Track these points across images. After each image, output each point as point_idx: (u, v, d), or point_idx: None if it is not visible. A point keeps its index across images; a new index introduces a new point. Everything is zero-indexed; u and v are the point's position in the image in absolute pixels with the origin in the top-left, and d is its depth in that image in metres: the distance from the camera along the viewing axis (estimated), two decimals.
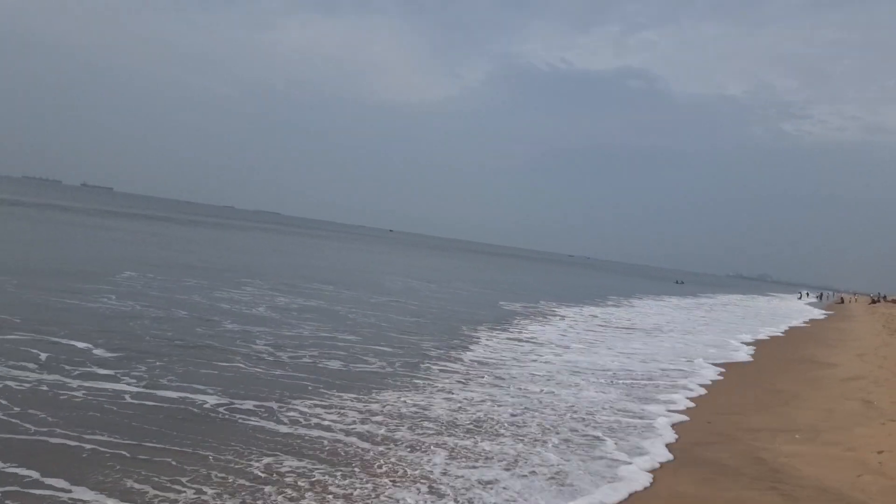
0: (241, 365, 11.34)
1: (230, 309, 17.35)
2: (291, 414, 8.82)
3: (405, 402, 10.10)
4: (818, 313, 55.80)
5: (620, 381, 13.60)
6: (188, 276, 23.64)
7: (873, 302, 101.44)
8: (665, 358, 17.78)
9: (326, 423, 8.61)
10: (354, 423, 8.73)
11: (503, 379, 12.68)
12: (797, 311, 57.59)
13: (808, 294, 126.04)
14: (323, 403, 9.51)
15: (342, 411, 9.22)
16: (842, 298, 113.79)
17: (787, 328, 34.54)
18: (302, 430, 8.18)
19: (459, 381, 12.06)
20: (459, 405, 10.25)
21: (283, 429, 8.16)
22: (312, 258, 49.36)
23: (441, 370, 12.94)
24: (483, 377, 12.66)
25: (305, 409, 9.09)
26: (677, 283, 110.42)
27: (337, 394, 10.14)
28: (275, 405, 9.13)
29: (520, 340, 18.41)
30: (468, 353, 15.30)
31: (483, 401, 10.70)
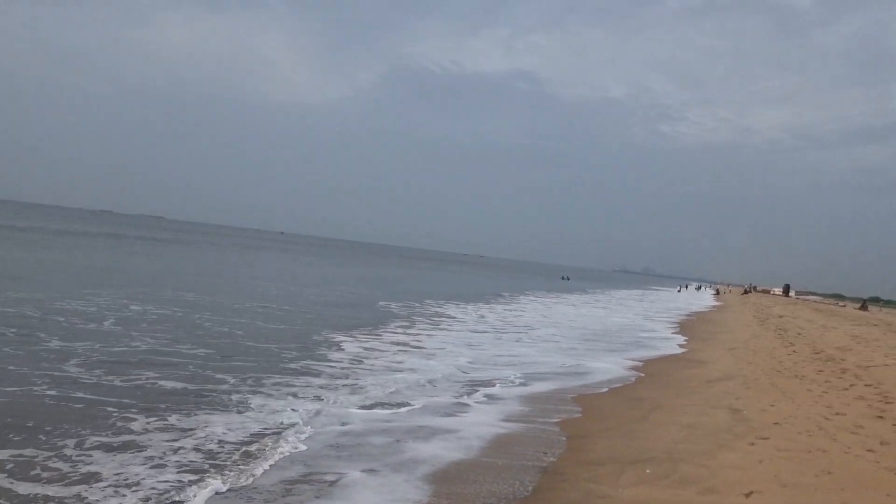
0: (34, 387, 9.54)
1: (62, 322, 15.19)
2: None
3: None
4: (700, 305, 58.35)
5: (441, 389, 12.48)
6: (31, 286, 20.95)
7: (745, 293, 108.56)
8: (531, 358, 17.22)
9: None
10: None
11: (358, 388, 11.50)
12: (681, 302, 59.91)
13: (686, 286, 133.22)
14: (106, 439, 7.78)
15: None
16: (717, 290, 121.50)
17: (672, 320, 35.43)
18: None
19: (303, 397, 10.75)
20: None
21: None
22: (188, 264, 46.34)
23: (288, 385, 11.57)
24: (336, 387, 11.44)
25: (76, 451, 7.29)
26: (563, 278, 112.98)
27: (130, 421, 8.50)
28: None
29: (388, 344, 17.31)
30: (325, 363, 13.97)
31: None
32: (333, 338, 17.29)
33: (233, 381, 11.24)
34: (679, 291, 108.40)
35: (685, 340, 24.90)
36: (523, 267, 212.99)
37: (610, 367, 16.66)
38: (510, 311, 33.53)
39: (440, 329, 22.01)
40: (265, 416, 9.24)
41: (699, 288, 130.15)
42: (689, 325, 33.50)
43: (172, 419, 8.68)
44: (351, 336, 17.97)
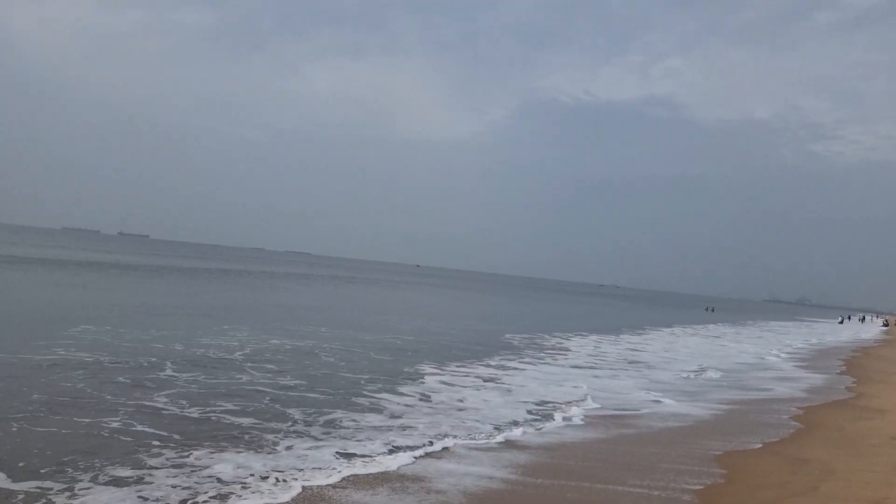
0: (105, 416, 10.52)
1: (196, 353, 16.67)
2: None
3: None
4: (868, 339, 52.53)
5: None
6: (194, 322, 23.11)
7: None
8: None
9: None
10: None
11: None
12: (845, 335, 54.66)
13: (849, 317, 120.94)
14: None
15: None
16: (886, 321, 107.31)
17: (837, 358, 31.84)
18: None
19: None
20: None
21: None
22: (331, 299, 48.84)
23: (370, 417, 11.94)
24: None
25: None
26: (708, 310, 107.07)
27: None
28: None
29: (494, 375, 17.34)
30: (396, 397, 14.24)
31: None
32: (423, 370, 17.51)
33: (297, 416, 11.44)
34: (841, 323, 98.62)
35: (853, 382, 21.44)
36: (665, 298, 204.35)
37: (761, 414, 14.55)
38: (636, 343, 32.35)
39: (543, 363, 21.51)
40: (274, 460, 8.93)
41: (863, 319, 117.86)
42: (857, 363, 29.08)
43: (193, 456, 8.72)
44: (441, 369, 18.03)
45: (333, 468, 8.64)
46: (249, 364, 15.96)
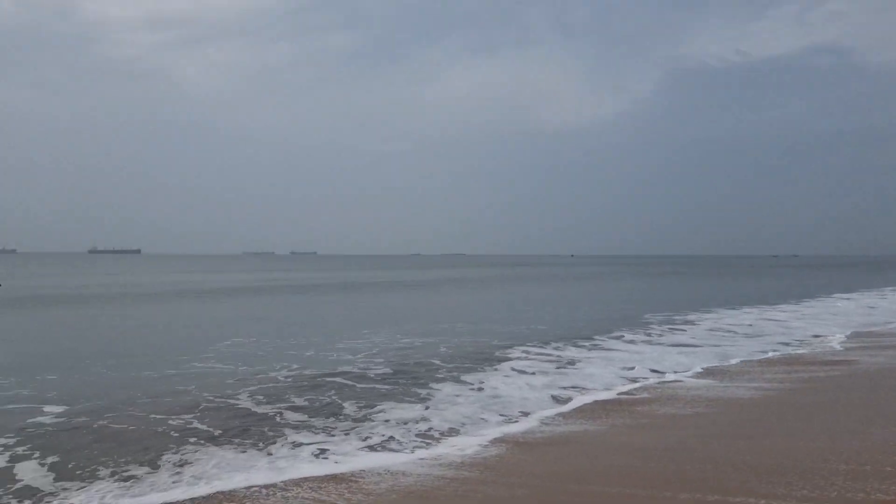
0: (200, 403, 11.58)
1: (324, 357, 17.90)
2: None
3: None
4: None
5: None
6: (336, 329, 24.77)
7: None
8: None
9: None
10: None
11: None
12: None
13: None
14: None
15: None
16: None
17: None
18: None
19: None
20: None
21: None
22: (483, 297, 49.77)
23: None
24: None
25: None
26: None
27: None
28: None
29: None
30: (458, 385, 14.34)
31: None
32: (509, 354, 17.75)
33: (348, 409, 11.81)
34: None
35: None
36: (853, 262, 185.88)
37: None
38: (786, 315, 30.04)
39: (644, 343, 20.58)
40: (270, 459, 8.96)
41: None
42: None
43: (229, 447, 9.34)
44: (525, 352, 18.14)
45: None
46: (361, 357, 16.97)
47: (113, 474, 8.23)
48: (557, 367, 15.87)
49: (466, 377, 14.62)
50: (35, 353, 18.53)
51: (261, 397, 12.51)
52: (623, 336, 21.80)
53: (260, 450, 9.26)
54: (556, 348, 18.95)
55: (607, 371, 15.31)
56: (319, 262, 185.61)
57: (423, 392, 13.13)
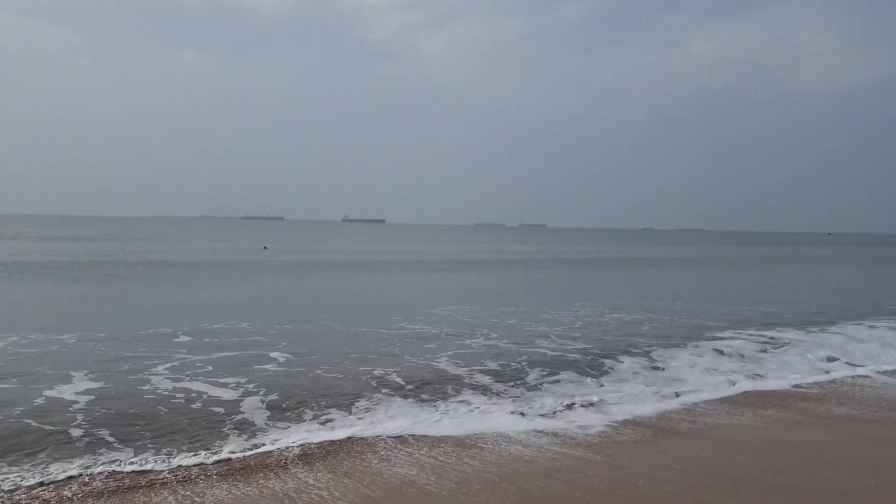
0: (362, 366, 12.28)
1: (523, 326, 18.37)
2: None
3: None
4: None
5: None
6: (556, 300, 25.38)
7: None
8: None
9: None
10: None
11: None
12: None
13: None
14: None
15: None
16: None
17: None
18: None
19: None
20: None
21: None
22: (709, 276, 47.23)
23: None
24: None
25: None
26: None
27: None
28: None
29: None
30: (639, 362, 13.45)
31: None
32: (717, 335, 16.90)
33: (526, 377, 12.22)
34: None
35: None
36: None
37: None
38: None
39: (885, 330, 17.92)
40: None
41: None
42: None
43: (411, 399, 10.42)
44: (735, 334, 16.96)
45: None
46: (546, 329, 17.08)
47: (315, 416, 9.44)
48: (760, 351, 14.89)
49: (658, 354, 14.26)
50: (278, 309, 21.33)
51: (455, 361, 13.32)
52: (863, 323, 19.46)
53: (432, 405, 10.12)
54: (778, 331, 17.62)
55: (805, 360, 14.13)
56: (547, 235, 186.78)
57: (608, 365, 13.08)
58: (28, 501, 6.32)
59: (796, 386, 11.87)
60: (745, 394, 11.22)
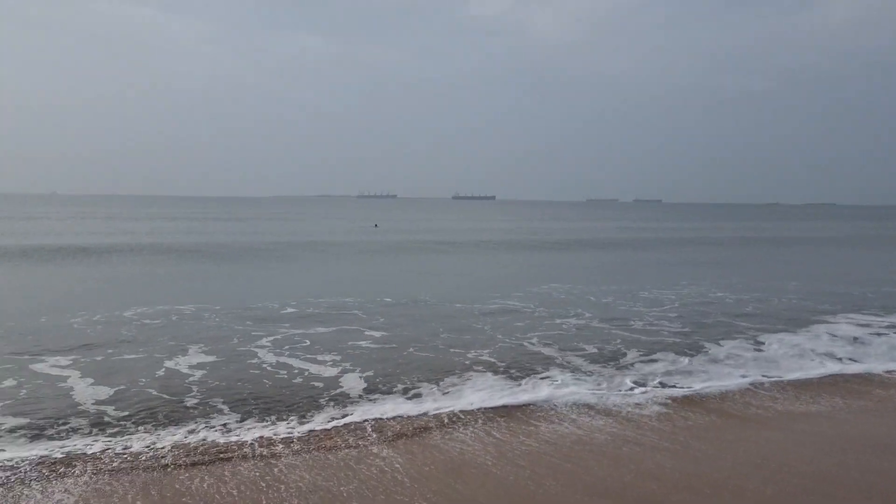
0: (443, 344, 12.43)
1: (618, 304, 18.17)
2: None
3: None
4: None
5: None
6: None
7: None
8: None
9: None
10: None
11: None
12: None
13: None
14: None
15: None
16: None
17: None
18: None
19: None
20: None
21: None
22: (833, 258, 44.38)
23: None
24: None
25: None
26: None
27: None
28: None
29: None
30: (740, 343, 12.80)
31: None
32: (830, 319, 16.15)
33: (617, 356, 12.08)
34: None
35: None
36: None
37: None
38: None
39: None
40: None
41: None
42: None
43: (492, 376, 10.58)
44: (850, 319, 15.92)
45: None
46: (651, 311, 16.77)
47: (405, 391, 9.93)
48: (871, 333, 14.16)
49: (763, 337, 13.79)
50: (377, 288, 22.14)
51: (544, 339, 13.46)
52: None
53: (516, 382, 10.35)
54: None
55: None
56: (664, 211, 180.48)
57: (707, 347, 12.82)
58: (170, 460, 7.17)
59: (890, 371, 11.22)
60: (834, 377, 10.75)
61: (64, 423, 8.29)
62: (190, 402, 9.29)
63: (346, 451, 7.47)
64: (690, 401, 9.53)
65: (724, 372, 11.07)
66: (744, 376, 10.81)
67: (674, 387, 10.19)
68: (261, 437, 7.92)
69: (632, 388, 10.05)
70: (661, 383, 10.38)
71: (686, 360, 11.91)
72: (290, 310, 16.38)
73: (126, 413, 8.75)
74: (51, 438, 7.79)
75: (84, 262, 28.46)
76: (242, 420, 8.58)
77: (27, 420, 8.37)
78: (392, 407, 9.14)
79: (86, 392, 9.59)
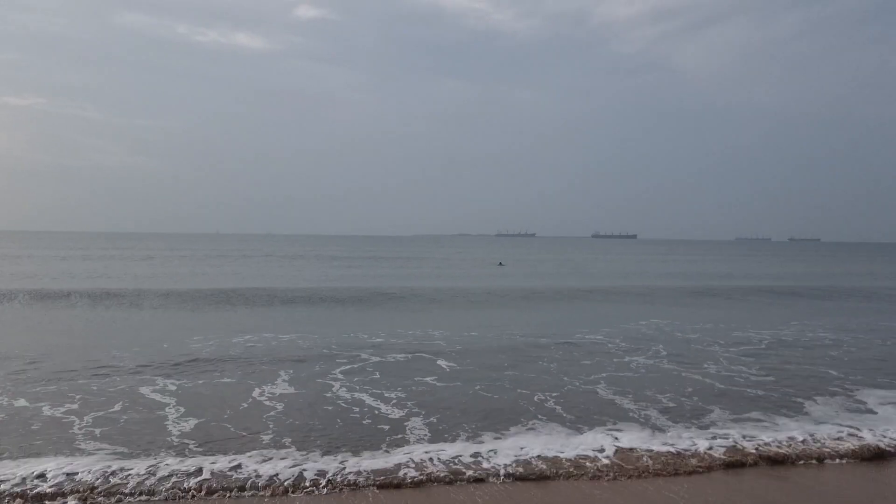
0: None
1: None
2: None
3: None
4: None
5: None
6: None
7: None
8: None
9: None
10: None
11: None
12: None
13: None
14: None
15: None
16: None
17: None
18: None
19: None
20: None
21: None
22: None
23: None
24: None
25: None
26: None
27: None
28: None
29: None
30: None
31: None
32: None
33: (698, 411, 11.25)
34: None
35: None
36: None
37: None
38: None
39: None
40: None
41: None
42: None
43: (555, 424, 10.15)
44: None
45: None
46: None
47: (468, 438, 10.18)
48: None
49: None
50: (469, 326, 22.55)
51: (614, 386, 13.33)
52: None
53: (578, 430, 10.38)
54: None
55: None
56: (818, 250, 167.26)
57: (804, 405, 12.17)
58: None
59: None
60: None
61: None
62: (266, 437, 10.25)
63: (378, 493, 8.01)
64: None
65: (828, 433, 10.47)
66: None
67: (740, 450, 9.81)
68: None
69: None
70: (734, 444, 10.03)
71: (796, 419, 11.36)
72: (369, 349, 17.32)
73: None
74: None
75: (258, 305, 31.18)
76: (308, 453, 9.37)
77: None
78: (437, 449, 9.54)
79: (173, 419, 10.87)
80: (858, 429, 10.55)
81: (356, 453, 9.30)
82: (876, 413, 11.66)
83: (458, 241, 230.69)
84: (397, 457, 9.12)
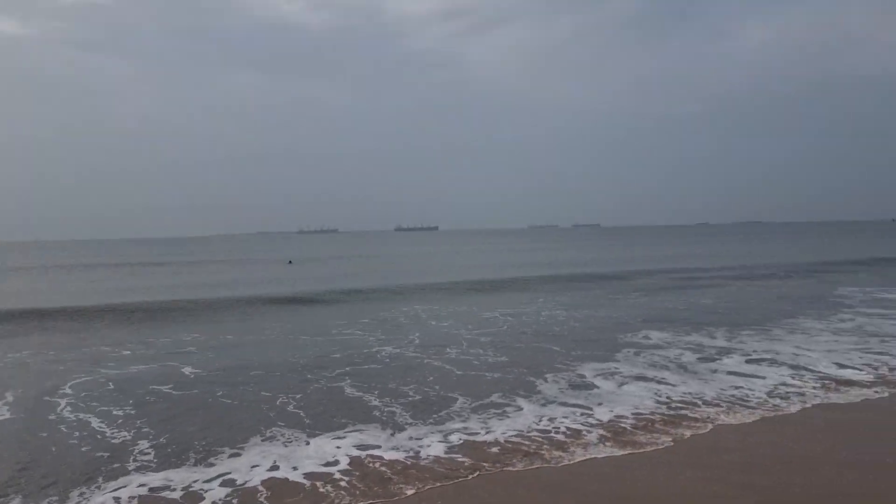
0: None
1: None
2: None
3: None
4: None
5: None
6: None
7: None
8: None
9: None
10: None
11: None
12: None
13: None
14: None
15: None
16: None
17: None
18: None
19: None
20: None
21: None
22: None
23: None
24: None
25: None
26: None
27: None
28: None
29: None
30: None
31: None
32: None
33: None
34: None
35: None
36: None
37: None
38: None
39: None
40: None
41: None
42: None
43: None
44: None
45: None
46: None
47: (197, 461, 9.72)
48: None
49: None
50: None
51: (359, 381, 13.49)
52: None
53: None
54: None
55: None
56: (602, 236, 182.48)
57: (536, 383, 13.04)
58: None
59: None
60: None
61: None
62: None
63: None
64: None
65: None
66: None
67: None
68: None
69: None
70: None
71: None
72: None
73: None
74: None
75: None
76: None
77: None
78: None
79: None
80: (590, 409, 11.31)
81: (63, 497, 8.07)
82: (598, 387, 12.75)
83: (254, 240, 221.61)
84: (103, 496, 8.03)
